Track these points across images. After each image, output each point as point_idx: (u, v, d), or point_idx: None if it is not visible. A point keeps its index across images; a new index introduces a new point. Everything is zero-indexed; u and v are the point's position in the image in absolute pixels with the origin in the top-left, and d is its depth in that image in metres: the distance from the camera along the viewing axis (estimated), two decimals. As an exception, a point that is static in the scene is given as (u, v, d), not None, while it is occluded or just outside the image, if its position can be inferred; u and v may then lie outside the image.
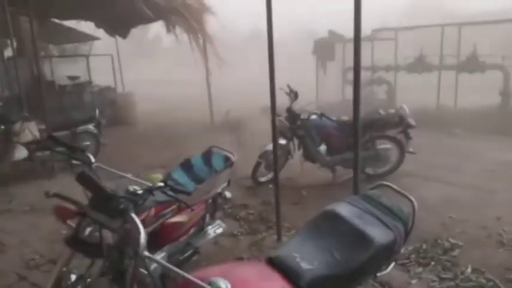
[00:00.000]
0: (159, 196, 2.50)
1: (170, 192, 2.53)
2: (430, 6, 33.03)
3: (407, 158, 5.58)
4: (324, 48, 12.07)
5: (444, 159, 6.46)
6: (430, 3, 33.37)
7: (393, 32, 11.50)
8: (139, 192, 2.44)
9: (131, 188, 2.51)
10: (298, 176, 5.61)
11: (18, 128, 6.05)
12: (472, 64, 9.69)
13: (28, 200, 5.14)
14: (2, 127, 5.98)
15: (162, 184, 2.47)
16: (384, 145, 5.55)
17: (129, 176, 2.78)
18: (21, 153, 6.07)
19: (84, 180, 1.90)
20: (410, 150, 5.48)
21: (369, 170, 5.58)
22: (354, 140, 3.03)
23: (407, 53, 11.10)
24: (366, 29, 12.58)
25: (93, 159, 2.45)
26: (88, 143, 6.85)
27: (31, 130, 6.13)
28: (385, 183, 2.24)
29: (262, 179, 5.46)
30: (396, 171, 5.60)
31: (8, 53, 9.46)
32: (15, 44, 10.12)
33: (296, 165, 5.62)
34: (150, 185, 2.51)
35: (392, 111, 5.56)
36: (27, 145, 6.04)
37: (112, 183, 2.52)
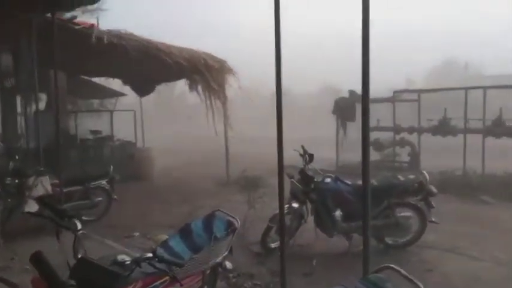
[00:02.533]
0: (148, 268, 2.31)
1: (158, 264, 2.34)
2: (457, 67, 33.34)
3: (430, 228, 5.20)
4: (344, 108, 12.04)
5: (470, 229, 6.00)
6: (456, 65, 33.70)
7: (416, 94, 11.42)
8: (127, 263, 2.27)
9: (119, 257, 2.34)
10: (312, 243, 5.28)
11: (32, 182, 6.06)
12: (498, 128, 9.37)
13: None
14: (16, 181, 6.02)
15: (150, 255, 2.29)
16: (404, 213, 5.22)
17: (117, 246, 2.58)
18: (31, 208, 6.03)
19: (37, 262, 1.71)
20: (433, 219, 5.12)
21: (389, 240, 5.22)
22: (364, 206, 2.79)
23: (430, 115, 10.92)
24: (389, 90, 12.61)
25: (79, 226, 2.30)
26: (100, 198, 6.80)
27: (44, 185, 6.13)
28: (391, 265, 1.97)
29: (273, 245, 5.13)
30: (418, 242, 5.20)
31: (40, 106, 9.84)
32: (45, 99, 10.64)
33: (310, 231, 5.31)
34: (138, 255, 2.32)
35: (411, 176, 5.28)
36: (38, 200, 6.01)
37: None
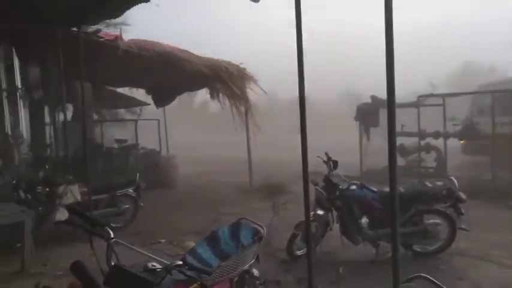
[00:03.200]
0: (178, 275, 2.34)
1: (188, 272, 2.37)
2: (478, 68, 32.52)
3: (460, 235, 5.07)
4: (367, 114, 11.91)
5: (501, 236, 5.81)
6: (478, 66, 32.88)
7: (441, 98, 11.19)
8: (158, 270, 2.31)
9: (150, 265, 2.38)
10: (337, 251, 5.22)
11: (62, 190, 6.24)
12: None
13: (62, 264, 5.10)
14: (47, 189, 6.19)
15: (180, 262, 2.32)
16: (432, 220, 5.10)
17: (147, 253, 2.62)
18: (62, 215, 6.19)
19: (78, 271, 1.77)
20: (463, 226, 4.98)
21: (417, 247, 5.11)
22: (392, 213, 2.75)
23: (456, 120, 10.68)
24: (411, 94, 12.38)
25: (112, 235, 2.35)
26: (127, 206, 6.92)
27: (73, 193, 6.30)
28: (422, 275, 1.94)
29: (299, 253, 5.11)
30: (447, 250, 5.08)
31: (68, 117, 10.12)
32: (72, 109, 10.94)
33: (336, 238, 5.25)
34: (168, 263, 2.35)
35: (439, 183, 5.17)
36: (68, 208, 6.16)
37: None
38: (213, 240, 3.09)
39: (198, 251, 2.95)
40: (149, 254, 2.61)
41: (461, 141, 11.65)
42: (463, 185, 5.23)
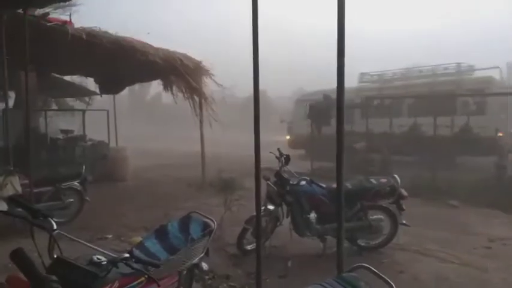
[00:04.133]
0: (125, 268, 2.29)
1: (135, 265, 2.33)
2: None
3: (401, 230, 5.35)
4: (319, 113, 12.21)
5: (439, 232, 6.20)
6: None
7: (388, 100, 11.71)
8: (103, 263, 2.25)
9: (95, 257, 2.31)
10: (287, 245, 5.33)
11: (1, 181, 5.87)
12: (465, 135, 9.73)
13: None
14: (-15, 180, 5.81)
15: (126, 255, 2.27)
16: (376, 215, 5.34)
17: (93, 246, 2.54)
18: (1, 207, 5.83)
19: (18, 259, 1.69)
20: (404, 222, 5.26)
21: (362, 242, 5.33)
22: (338, 208, 2.86)
23: (403, 122, 11.22)
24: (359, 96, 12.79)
25: (55, 226, 2.25)
26: (72, 199, 6.66)
27: (14, 184, 5.94)
28: (364, 265, 2.03)
29: (249, 247, 5.15)
30: (389, 244, 5.34)
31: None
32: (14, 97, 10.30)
33: (285, 233, 5.36)
34: (115, 255, 2.30)
35: (383, 180, 5.40)
36: (7, 200, 5.82)
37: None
38: (161, 233, 3.05)
39: (146, 245, 2.90)
40: (95, 247, 2.53)
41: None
42: (404, 182, 5.50)
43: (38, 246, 2.09)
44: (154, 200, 8.20)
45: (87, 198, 6.82)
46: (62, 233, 2.44)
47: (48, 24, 7.35)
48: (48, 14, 7.40)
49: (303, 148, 14.47)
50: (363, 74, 15.00)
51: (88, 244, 2.50)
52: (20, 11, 5.95)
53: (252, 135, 3.15)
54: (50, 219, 2.27)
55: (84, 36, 7.49)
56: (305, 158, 13.04)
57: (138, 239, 5.07)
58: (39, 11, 7.50)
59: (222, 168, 10.31)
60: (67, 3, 9.20)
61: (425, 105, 10.89)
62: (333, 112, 12.05)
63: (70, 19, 8.14)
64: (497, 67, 12.68)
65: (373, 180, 5.32)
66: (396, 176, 5.36)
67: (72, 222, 6.48)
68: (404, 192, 5.25)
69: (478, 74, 12.67)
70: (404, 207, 5.26)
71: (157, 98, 33.49)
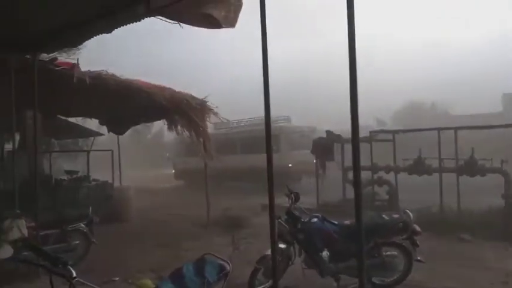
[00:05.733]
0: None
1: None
2: (423, 107, 34.63)
3: (416, 267, 5.22)
4: (322, 148, 12.21)
5: (454, 268, 6.05)
6: (423, 105, 34.99)
7: (391, 134, 11.74)
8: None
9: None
10: (299, 284, 5.18)
11: (7, 225, 5.79)
12: (471, 168, 9.68)
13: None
14: (-9, 224, 5.73)
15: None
16: (389, 252, 5.23)
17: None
18: (6, 252, 5.73)
19: None
20: (419, 258, 5.15)
21: (376, 280, 5.19)
22: (358, 247, 2.79)
23: (405, 155, 11.18)
24: (363, 131, 12.92)
25: (74, 274, 2.20)
26: (78, 242, 6.55)
27: (20, 228, 5.86)
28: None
29: (260, 288, 5.03)
30: (405, 281, 5.20)
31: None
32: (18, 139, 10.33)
33: (297, 272, 5.23)
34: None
35: (396, 216, 5.33)
36: (13, 243, 5.72)
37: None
38: (177, 277, 3.00)
39: (163, 290, 2.83)
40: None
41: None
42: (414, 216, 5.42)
43: None
44: (160, 241, 8.06)
45: (94, 240, 6.70)
46: (82, 280, 2.38)
47: (57, 68, 7.50)
48: (56, 58, 7.56)
49: (184, 180, 19.40)
50: None
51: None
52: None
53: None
54: (69, 267, 2.22)
55: (87, 81, 7.60)
56: (184, 188, 17.33)
57: (147, 281, 4.93)
58: (44, 55, 7.65)
59: (227, 205, 10.25)
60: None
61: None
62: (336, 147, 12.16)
63: (78, 63, 8.29)
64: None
65: (385, 216, 5.25)
66: (408, 211, 5.30)
67: (78, 265, 6.32)
68: (417, 228, 5.16)
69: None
70: (418, 243, 5.16)
71: (159, 136, 33.72)
